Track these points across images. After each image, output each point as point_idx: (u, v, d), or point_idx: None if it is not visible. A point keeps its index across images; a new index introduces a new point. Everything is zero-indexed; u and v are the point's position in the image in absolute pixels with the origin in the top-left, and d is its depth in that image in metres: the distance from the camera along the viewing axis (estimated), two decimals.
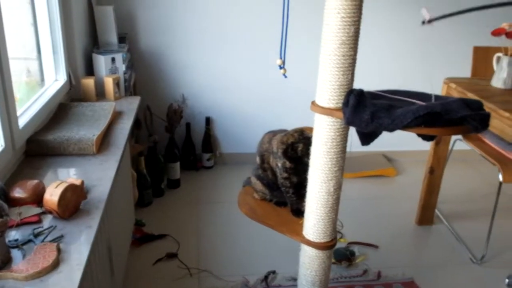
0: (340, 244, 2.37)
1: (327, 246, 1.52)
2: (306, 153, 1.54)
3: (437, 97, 1.41)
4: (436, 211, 2.59)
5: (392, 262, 2.26)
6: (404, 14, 3.03)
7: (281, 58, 1.60)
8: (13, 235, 1.23)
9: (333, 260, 2.24)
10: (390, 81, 3.16)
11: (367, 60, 3.07)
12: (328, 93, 1.36)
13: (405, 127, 1.28)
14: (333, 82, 1.35)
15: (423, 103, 1.35)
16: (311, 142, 1.47)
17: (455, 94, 2.26)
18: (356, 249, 2.32)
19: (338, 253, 2.26)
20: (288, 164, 1.58)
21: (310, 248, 1.53)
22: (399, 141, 3.29)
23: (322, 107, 1.38)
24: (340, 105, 1.36)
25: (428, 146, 2.48)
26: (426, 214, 2.55)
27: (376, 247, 2.37)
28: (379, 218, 2.64)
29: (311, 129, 1.55)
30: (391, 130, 1.30)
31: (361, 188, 2.97)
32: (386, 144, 3.30)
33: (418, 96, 1.45)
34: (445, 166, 2.47)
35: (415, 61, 3.16)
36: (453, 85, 2.28)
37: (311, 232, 1.52)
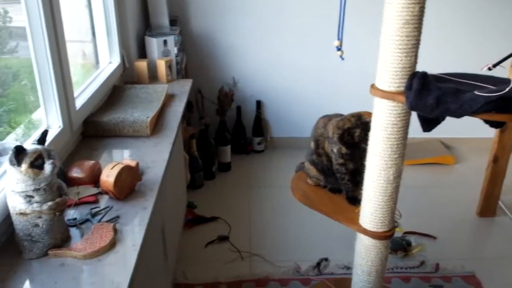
0: (396, 234, 2.28)
1: (385, 236, 1.47)
2: (364, 138, 1.47)
3: (509, 80, 1.30)
4: (499, 202, 2.45)
5: (451, 254, 2.16)
6: None
7: (338, 39, 1.53)
8: (72, 214, 1.25)
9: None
10: (451, 64, 3.00)
11: (430, 41, 2.92)
12: (390, 75, 1.29)
13: (474, 112, 1.19)
14: (395, 64, 1.27)
15: (494, 87, 1.25)
16: (369, 127, 1.41)
17: None
18: (412, 239, 2.23)
19: (394, 242, 2.18)
20: (344, 150, 1.52)
21: (367, 237, 1.48)
22: (458, 128, 3.11)
23: (383, 91, 1.31)
24: (402, 88, 1.28)
25: (490, 133, 2.33)
26: (489, 205, 2.41)
27: (434, 238, 2.27)
28: (437, 208, 2.53)
29: (369, 114, 1.48)
30: (458, 115, 1.22)
31: (418, 176, 2.86)
32: (444, 130, 3.12)
33: (488, 79, 1.35)
34: (510, 155, 2.32)
35: (478, 44, 2.97)
36: None
37: (368, 221, 1.46)
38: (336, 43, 1.53)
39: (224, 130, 2.89)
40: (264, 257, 2.13)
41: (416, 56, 1.29)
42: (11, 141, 1.44)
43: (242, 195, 2.65)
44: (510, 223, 2.39)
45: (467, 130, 3.12)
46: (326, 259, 2.10)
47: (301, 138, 3.05)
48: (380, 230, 1.45)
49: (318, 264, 2.07)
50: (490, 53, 2.97)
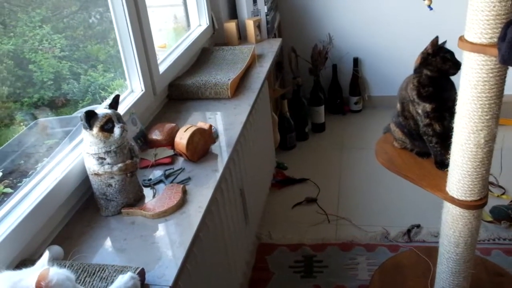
0: (501, 201, 2.07)
1: (475, 206, 1.33)
2: (439, 71, 1.35)
3: None
4: None
5: None
6: None
7: None
8: (148, 175, 1.32)
9: (490, 219, 1.98)
10: None
11: None
12: (480, 25, 1.13)
13: None
14: (486, 11, 1.10)
15: None
16: (446, 52, 1.34)
17: None
18: None
19: (498, 211, 1.99)
20: (428, 107, 1.39)
21: (454, 206, 1.35)
22: None
23: (472, 43, 1.15)
24: (495, 40, 1.12)
25: None
26: None
27: None
28: None
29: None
30: None
31: None
32: None
33: None
34: None
35: None
36: None
37: (455, 188, 1.33)
38: None
39: (317, 90, 2.81)
40: (351, 221, 2.07)
41: None
42: (100, 107, 1.54)
43: (334, 157, 2.59)
44: None
45: None
46: (418, 226, 1.98)
47: None
48: (468, 199, 1.31)
49: (409, 230, 1.96)
50: None
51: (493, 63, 1.14)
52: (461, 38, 1.19)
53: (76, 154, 1.23)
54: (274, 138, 2.43)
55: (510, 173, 2.21)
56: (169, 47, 2.03)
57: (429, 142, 1.45)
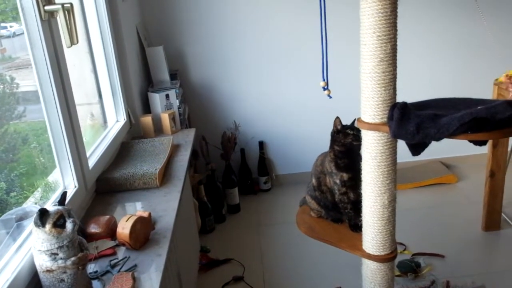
0: (405, 256, 2.35)
1: (388, 258, 1.54)
2: (352, 145, 1.58)
3: (483, 101, 1.41)
4: (503, 215, 2.51)
5: (460, 270, 2.21)
6: (444, 19, 3.01)
7: (324, 80, 1.66)
8: (93, 267, 1.35)
9: (398, 273, 2.22)
10: (437, 89, 3.13)
11: (412, 70, 3.06)
12: (372, 109, 1.40)
13: (451, 135, 1.30)
14: (376, 98, 1.39)
15: (469, 110, 1.36)
16: (353, 130, 1.57)
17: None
18: (421, 260, 2.29)
19: (403, 265, 2.25)
20: (345, 176, 1.62)
21: (371, 261, 1.55)
22: (456, 147, 3.22)
23: (368, 123, 1.42)
24: (385, 119, 1.40)
25: (486, 149, 2.42)
26: (492, 219, 2.48)
27: (442, 256, 2.33)
28: (443, 226, 2.59)
29: None
30: (437, 139, 1.32)
31: (422, 197, 2.93)
32: (443, 151, 3.24)
33: (464, 102, 1.46)
34: (506, 168, 2.40)
35: (462, 65, 3.10)
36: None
37: (370, 245, 1.54)
38: (322, 83, 1.65)
39: (230, 173, 3.00)
40: None
41: (394, 89, 1.41)
42: (31, 205, 1.56)
43: (253, 235, 2.73)
44: None
45: (465, 148, 3.21)
46: None
47: (305, 173, 3.13)
48: (383, 253, 1.53)
49: None
50: (467, 74, 3.11)
51: (386, 137, 1.41)
52: (359, 120, 1.46)
53: (22, 255, 1.24)
54: (196, 222, 2.53)
55: (407, 231, 2.53)
56: (88, 144, 2.10)
57: (344, 208, 1.67)
